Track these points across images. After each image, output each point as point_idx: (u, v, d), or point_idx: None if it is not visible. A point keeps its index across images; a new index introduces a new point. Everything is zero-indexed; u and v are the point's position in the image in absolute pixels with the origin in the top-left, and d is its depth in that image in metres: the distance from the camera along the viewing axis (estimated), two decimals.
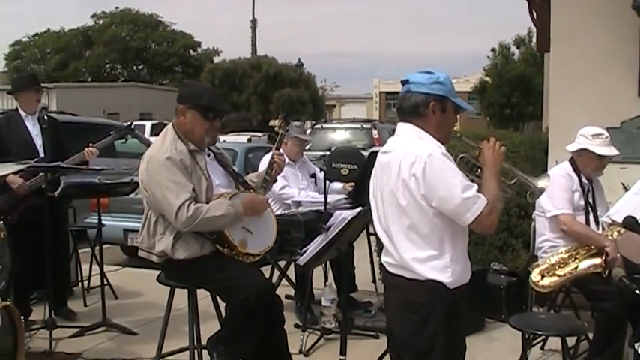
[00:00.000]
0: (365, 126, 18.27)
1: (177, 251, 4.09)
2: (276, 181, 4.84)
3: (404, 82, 3.34)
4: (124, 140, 6.68)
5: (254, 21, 48.64)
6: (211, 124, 4.24)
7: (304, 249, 3.95)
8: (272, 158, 4.67)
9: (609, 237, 4.98)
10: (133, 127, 6.86)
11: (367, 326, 6.01)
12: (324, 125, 18.72)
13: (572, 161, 5.23)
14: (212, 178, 4.30)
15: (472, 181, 3.29)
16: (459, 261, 3.24)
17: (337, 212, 3.97)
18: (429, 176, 3.09)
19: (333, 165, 6.64)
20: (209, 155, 4.38)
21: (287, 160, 5.35)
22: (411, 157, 3.13)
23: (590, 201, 5.17)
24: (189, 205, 3.97)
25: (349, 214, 3.82)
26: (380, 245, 6.70)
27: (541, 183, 3.50)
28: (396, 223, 3.24)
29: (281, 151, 4.90)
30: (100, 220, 6.35)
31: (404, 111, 3.32)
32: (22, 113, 6.19)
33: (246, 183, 4.52)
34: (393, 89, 63.68)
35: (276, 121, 4.94)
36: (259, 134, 28.08)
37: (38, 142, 6.09)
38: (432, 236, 3.18)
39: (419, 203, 3.14)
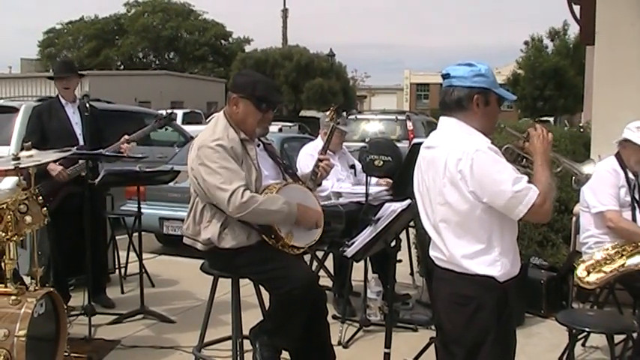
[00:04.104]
0: (399, 117, 18.01)
1: (223, 240, 4.03)
2: (320, 184, 4.79)
3: (445, 76, 3.29)
4: (164, 129, 6.64)
5: (285, 11, 48.76)
6: (264, 115, 4.17)
7: (352, 240, 3.88)
8: (317, 162, 4.62)
9: None
10: (174, 116, 6.83)
11: (405, 319, 5.96)
12: (358, 116, 18.57)
13: (617, 156, 5.13)
14: (261, 169, 4.24)
15: (518, 171, 3.26)
16: (508, 254, 3.19)
17: (386, 204, 3.89)
18: (477, 172, 3.04)
19: (367, 157, 6.60)
20: (259, 146, 4.32)
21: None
22: (458, 154, 3.09)
23: (637, 197, 5.07)
24: (243, 191, 3.89)
25: (398, 206, 3.74)
26: (418, 238, 6.74)
27: (587, 169, 3.44)
28: (444, 220, 3.20)
29: (328, 154, 4.84)
30: (139, 207, 6.36)
31: (447, 105, 3.27)
32: (63, 101, 6.22)
33: (296, 175, 4.47)
34: (424, 81, 63.74)
35: (327, 113, 4.86)
36: (290, 124, 28.11)
37: (78, 130, 6.12)
38: (480, 231, 3.13)
39: (467, 199, 3.10)
